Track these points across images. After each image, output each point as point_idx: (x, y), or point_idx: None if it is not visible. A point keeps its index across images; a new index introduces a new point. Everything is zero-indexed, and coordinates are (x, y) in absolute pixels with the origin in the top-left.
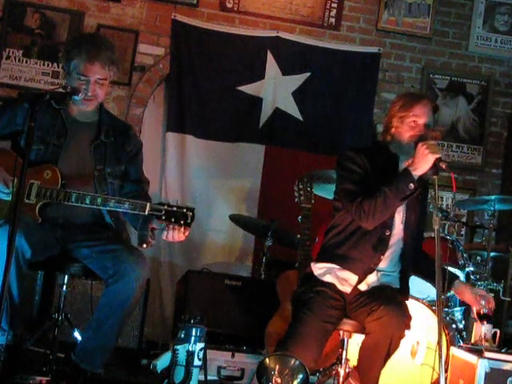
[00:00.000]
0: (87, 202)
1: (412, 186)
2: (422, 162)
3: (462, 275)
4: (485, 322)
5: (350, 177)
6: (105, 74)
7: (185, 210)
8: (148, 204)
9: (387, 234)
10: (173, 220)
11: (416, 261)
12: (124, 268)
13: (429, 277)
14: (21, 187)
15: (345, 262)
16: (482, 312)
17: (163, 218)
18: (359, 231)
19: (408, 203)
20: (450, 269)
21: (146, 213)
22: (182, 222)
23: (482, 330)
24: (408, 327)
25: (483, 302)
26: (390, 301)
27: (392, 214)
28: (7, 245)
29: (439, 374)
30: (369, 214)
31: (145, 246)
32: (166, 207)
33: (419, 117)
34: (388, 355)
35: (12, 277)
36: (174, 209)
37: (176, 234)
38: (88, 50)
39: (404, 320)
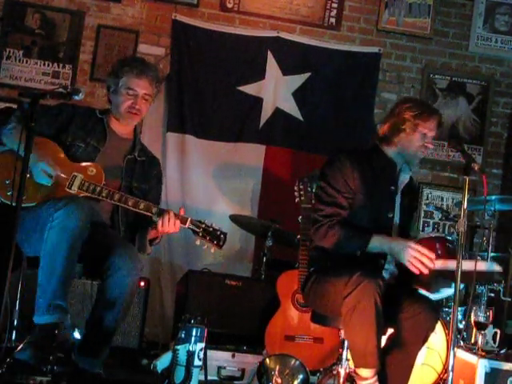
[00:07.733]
0: (130, 204)
1: (358, 253)
2: (394, 252)
3: None
4: None
5: (332, 194)
6: (151, 90)
7: (219, 233)
8: (189, 218)
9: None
10: (208, 238)
11: None
12: (116, 263)
13: None
14: (21, 189)
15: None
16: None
17: (200, 234)
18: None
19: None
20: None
21: (187, 226)
22: (215, 242)
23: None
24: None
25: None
26: (420, 297)
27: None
28: (9, 242)
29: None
30: (325, 241)
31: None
32: (204, 226)
33: (432, 130)
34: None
35: (75, 253)
36: (211, 229)
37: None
38: (138, 67)
39: (437, 314)
